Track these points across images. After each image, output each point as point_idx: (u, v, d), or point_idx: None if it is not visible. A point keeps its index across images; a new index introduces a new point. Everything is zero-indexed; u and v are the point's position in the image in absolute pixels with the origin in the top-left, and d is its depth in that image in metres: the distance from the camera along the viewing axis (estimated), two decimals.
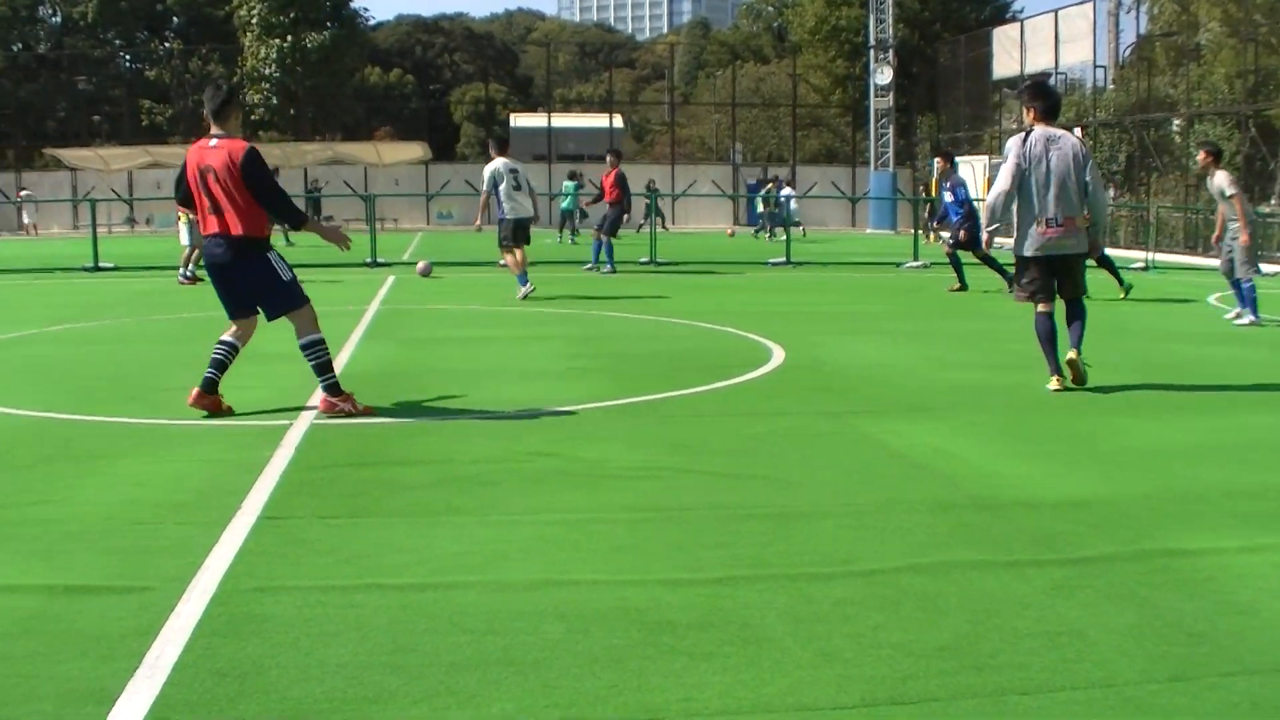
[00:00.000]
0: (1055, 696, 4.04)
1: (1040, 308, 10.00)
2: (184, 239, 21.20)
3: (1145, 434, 8.54)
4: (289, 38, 61.50)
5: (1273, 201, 38.20)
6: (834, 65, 61.35)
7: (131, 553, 5.45)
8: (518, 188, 17.56)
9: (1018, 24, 49.97)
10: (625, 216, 23.47)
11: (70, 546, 5.54)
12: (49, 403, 9.23)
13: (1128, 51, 46.25)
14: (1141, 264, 29.52)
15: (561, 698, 3.94)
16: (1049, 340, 10.03)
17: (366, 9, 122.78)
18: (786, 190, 42.49)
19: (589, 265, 23.33)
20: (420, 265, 22.93)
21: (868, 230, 50.75)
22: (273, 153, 51.60)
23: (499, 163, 17.53)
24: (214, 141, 8.37)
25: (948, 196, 21.06)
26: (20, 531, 5.81)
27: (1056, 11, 44.86)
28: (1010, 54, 48.27)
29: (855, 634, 4.52)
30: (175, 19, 75.85)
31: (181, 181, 8.93)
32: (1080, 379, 9.94)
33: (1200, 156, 16.92)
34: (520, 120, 69.64)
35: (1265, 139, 36.07)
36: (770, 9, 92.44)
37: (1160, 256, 31.64)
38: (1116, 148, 42.02)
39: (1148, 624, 4.71)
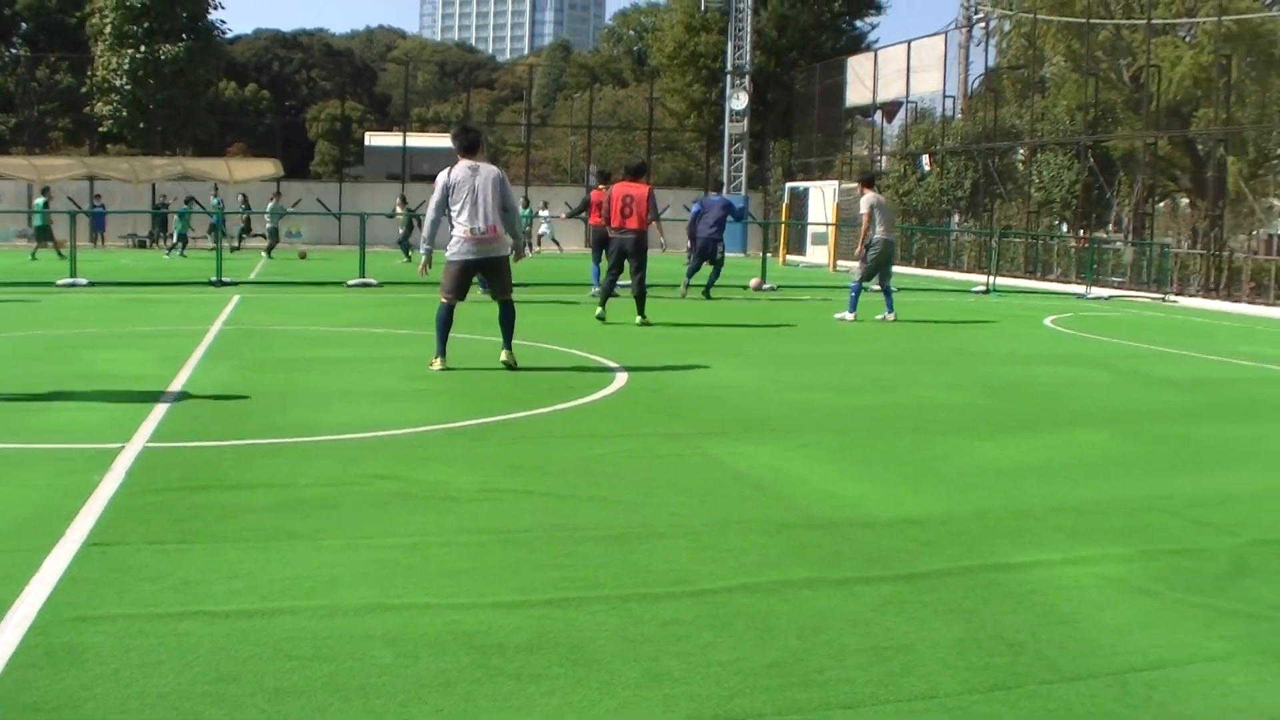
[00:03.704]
0: (879, 709, 4.11)
1: None
2: None
3: (981, 453, 8.73)
4: (142, 48, 60.31)
5: (1109, 229, 39.20)
6: (691, 90, 61.69)
7: None
8: None
9: (871, 54, 50.74)
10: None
11: None
12: None
13: (976, 83, 47.18)
14: (983, 287, 30.16)
15: None
16: None
17: (224, 21, 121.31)
18: (543, 211, 43.85)
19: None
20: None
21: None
22: (120, 166, 50.76)
23: None
24: None
25: None
26: None
27: (909, 42, 45.68)
28: (864, 83, 49.03)
29: (684, 653, 4.55)
30: (24, 25, 74.06)
31: None
32: None
33: None
34: (375, 139, 69.19)
35: (1103, 169, 36.96)
36: (631, 33, 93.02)
37: (1001, 280, 32.37)
38: (963, 174, 42.81)
39: (972, 636, 4.82)
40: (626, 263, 17.97)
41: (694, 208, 24.72)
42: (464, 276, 12.49)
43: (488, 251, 12.31)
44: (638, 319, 17.68)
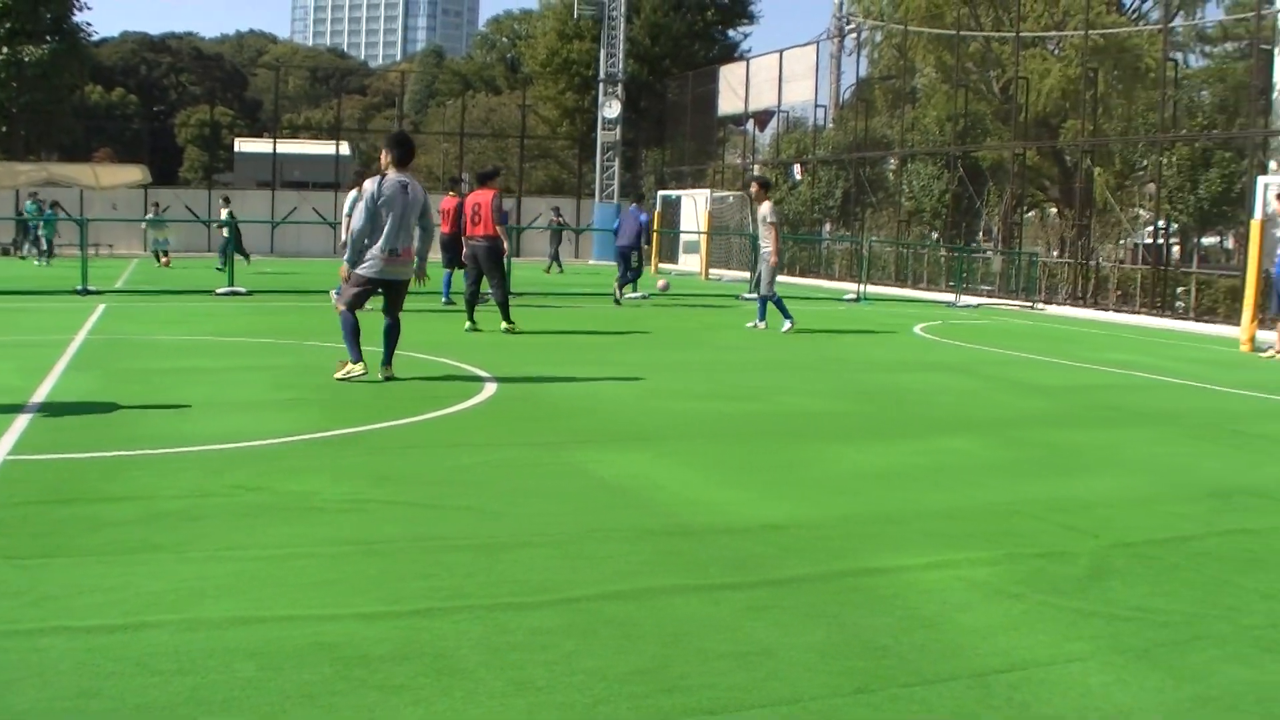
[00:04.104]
0: (743, 715, 4.14)
1: None
2: None
3: (848, 459, 8.84)
4: (4, 50, 58.92)
5: (979, 238, 39.79)
6: (564, 98, 61.72)
7: None
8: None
9: (744, 63, 51.09)
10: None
11: None
12: None
13: (848, 92, 47.66)
14: (854, 296, 30.48)
15: None
16: None
17: (90, 24, 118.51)
18: None
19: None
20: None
21: (591, 261, 51.29)
22: None
23: None
24: None
25: None
26: None
27: (781, 52, 46.06)
28: (736, 92, 49.37)
29: (549, 662, 4.55)
30: None
31: None
32: None
33: None
34: (245, 145, 68.24)
35: (972, 179, 37.52)
36: (504, 40, 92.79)
37: (872, 289, 32.75)
38: (834, 183, 43.21)
39: (836, 640, 4.89)
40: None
41: (615, 221, 25.88)
42: (369, 292, 12.12)
43: (398, 273, 11.98)
44: (503, 325, 17.68)
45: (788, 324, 19.30)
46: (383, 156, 12.17)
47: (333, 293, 21.71)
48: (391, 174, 11.84)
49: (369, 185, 11.78)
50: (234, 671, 4.39)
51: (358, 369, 11.84)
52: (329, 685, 4.28)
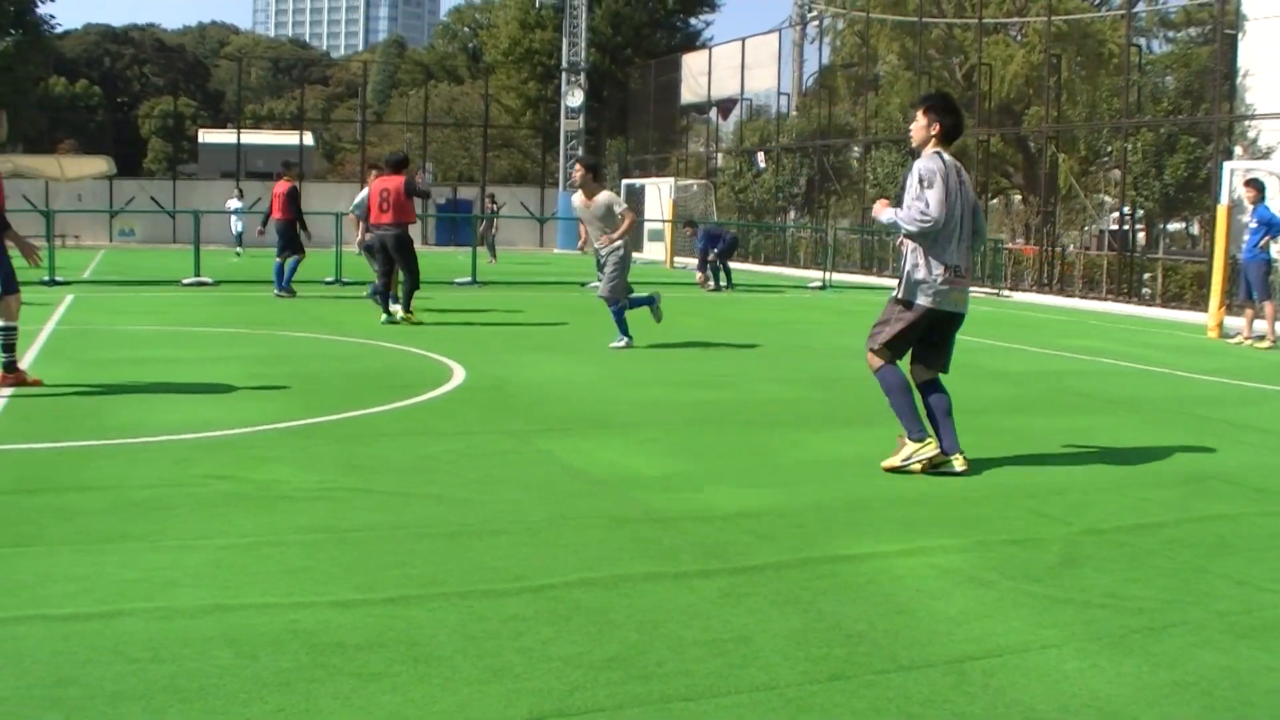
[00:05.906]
0: (719, 701, 4.13)
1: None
2: None
3: (819, 446, 8.86)
4: None
5: None
6: (526, 87, 61.82)
7: None
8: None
9: (706, 51, 51.15)
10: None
11: None
12: None
13: (810, 80, 47.75)
14: (819, 283, 30.53)
15: None
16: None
17: (53, 16, 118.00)
18: (234, 202, 43.28)
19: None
20: None
21: (555, 250, 51.25)
22: None
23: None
24: None
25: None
26: None
27: (744, 40, 46.12)
28: (698, 80, 49.43)
29: (525, 649, 4.55)
30: None
31: None
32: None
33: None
34: (209, 136, 68.09)
35: None
36: (466, 30, 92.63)
37: (837, 276, 32.80)
38: (798, 171, 43.29)
39: (811, 627, 4.89)
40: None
41: None
42: (919, 332, 8.38)
43: (961, 303, 8.35)
44: (400, 314, 17.23)
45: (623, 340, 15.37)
46: (919, 126, 8.19)
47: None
48: (946, 155, 8.07)
49: (931, 164, 7.97)
50: (210, 659, 4.37)
51: (928, 449, 8.13)
52: (305, 673, 4.27)
